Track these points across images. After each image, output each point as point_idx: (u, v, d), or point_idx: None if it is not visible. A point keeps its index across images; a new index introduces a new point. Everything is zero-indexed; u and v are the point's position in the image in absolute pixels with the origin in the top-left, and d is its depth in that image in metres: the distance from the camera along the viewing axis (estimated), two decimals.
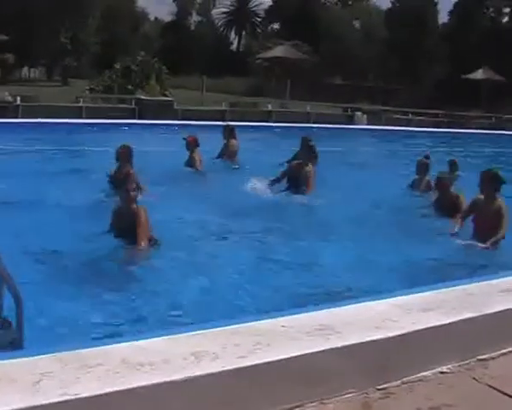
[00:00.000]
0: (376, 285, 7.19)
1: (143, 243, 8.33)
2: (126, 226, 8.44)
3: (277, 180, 12.85)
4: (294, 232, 9.79)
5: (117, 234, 8.60)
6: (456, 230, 9.84)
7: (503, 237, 9.38)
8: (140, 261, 8.17)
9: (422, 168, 13.21)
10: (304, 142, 13.50)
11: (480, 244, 9.21)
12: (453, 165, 16.07)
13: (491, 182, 9.58)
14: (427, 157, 13.63)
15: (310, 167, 12.76)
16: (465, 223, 9.96)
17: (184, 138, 14.91)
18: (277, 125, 27.27)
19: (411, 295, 5.37)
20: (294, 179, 12.64)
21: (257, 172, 13.41)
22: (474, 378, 4.67)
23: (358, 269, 8.09)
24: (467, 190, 10.86)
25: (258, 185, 12.55)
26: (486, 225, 9.45)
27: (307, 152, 13.06)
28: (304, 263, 8.30)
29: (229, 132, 16.84)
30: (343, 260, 8.41)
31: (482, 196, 9.79)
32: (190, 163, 14.72)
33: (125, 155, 11.78)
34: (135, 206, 8.51)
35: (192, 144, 14.84)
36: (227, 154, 16.49)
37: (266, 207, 11.36)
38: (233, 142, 16.72)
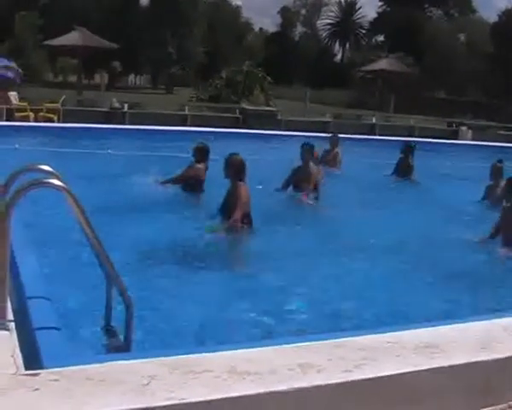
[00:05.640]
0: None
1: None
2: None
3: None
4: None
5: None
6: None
7: None
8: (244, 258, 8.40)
9: (497, 173, 13.00)
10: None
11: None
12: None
13: None
14: (500, 161, 13.37)
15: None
16: None
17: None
18: (381, 139, 26.94)
19: None
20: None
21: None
22: None
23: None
24: None
25: None
26: None
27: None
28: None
29: (335, 141, 17.03)
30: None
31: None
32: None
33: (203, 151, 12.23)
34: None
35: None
36: (331, 161, 16.55)
37: None
38: (337, 150, 16.85)
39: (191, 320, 5.88)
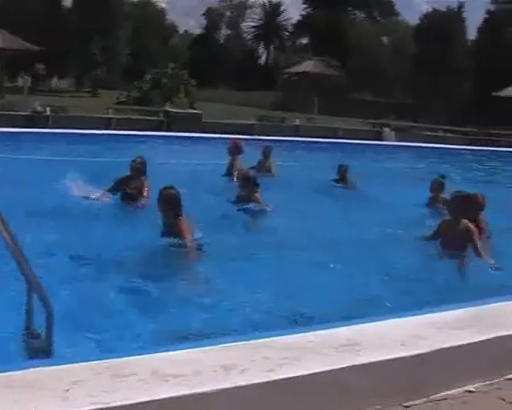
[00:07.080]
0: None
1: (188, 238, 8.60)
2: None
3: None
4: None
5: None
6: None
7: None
8: (181, 268, 8.32)
9: (438, 187, 13.10)
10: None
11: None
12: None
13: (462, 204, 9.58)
14: (443, 177, 13.53)
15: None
16: None
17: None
18: (305, 140, 27.15)
19: (443, 313, 5.32)
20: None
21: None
22: (501, 398, 4.58)
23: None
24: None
25: None
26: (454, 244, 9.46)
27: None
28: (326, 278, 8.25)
29: (268, 152, 16.46)
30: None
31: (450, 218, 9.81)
32: (229, 170, 14.32)
33: (140, 167, 11.77)
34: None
35: (234, 150, 14.45)
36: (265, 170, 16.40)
37: None
38: (271, 161, 16.43)
39: (116, 325, 5.88)
